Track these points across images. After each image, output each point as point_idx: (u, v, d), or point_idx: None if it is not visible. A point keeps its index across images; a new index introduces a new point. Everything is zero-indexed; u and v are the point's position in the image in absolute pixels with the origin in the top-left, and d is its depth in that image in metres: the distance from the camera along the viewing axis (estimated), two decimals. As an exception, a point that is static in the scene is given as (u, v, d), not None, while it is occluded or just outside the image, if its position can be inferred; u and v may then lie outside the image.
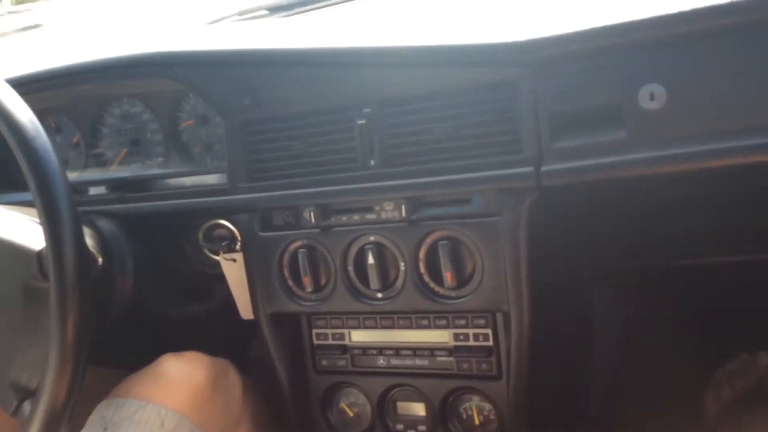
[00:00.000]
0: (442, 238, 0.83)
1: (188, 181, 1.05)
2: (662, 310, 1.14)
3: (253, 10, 1.35)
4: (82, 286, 0.72)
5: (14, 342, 0.80)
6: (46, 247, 0.72)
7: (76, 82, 1.05)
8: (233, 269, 1.00)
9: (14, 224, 0.82)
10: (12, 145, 0.74)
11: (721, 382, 1.19)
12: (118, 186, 1.06)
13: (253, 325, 1.33)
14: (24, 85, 0.92)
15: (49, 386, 0.72)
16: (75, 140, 1.14)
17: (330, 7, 1.28)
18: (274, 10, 1.32)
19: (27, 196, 1.00)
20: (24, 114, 0.76)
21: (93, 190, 1.09)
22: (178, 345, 0.99)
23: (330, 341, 0.95)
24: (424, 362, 0.90)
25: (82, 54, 1.06)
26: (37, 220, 0.84)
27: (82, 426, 0.87)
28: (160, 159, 1.10)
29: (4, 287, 0.79)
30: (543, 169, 0.77)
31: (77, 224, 0.73)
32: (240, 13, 1.36)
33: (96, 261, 0.87)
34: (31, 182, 0.73)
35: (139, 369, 0.95)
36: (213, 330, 1.32)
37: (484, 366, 0.87)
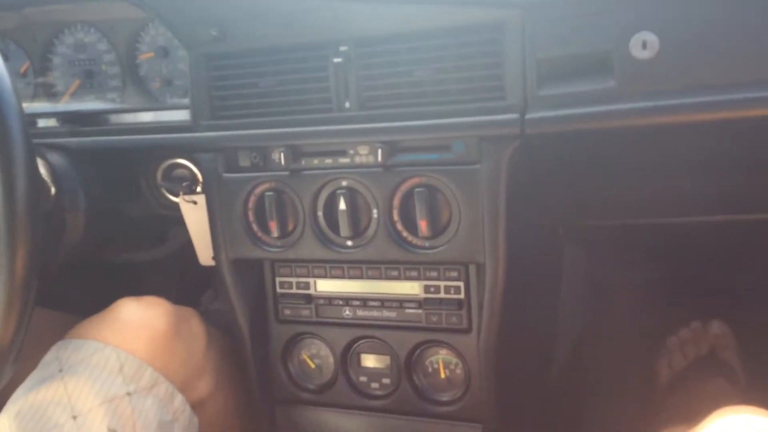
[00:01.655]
0: (418, 185, 0.80)
1: (146, 116, 0.99)
2: (628, 273, 1.14)
3: None
4: (34, 215, 0.67)
5: None
6: None
7: (28, 3, 0.97)
8: (193, 212, 0.95)
9: None
10: None
11: (674, 349, 1.21)
12: (70, 119, 0.99)
13: (203, 280, 1.30)
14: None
15: None
16: (23, 69, 1.06)
17: None
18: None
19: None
20: None
21: (42, 123, 1.02)
22: (129, 292, 0.94)
23: (294, 290, 0.92)
24: (392, 314, 0.88)
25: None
26: None
27: (34, 367, 0.82)
28: (116, 93, 1.03)
29: None
30: (528, 116, 0.74)
31: (29, 148, 0.67)
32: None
33: (49, 190, 0.81)
34: None
35: (91, 314, 0.90)
36: (166, 278, 1.28)
37: (453, 319, 0.85)
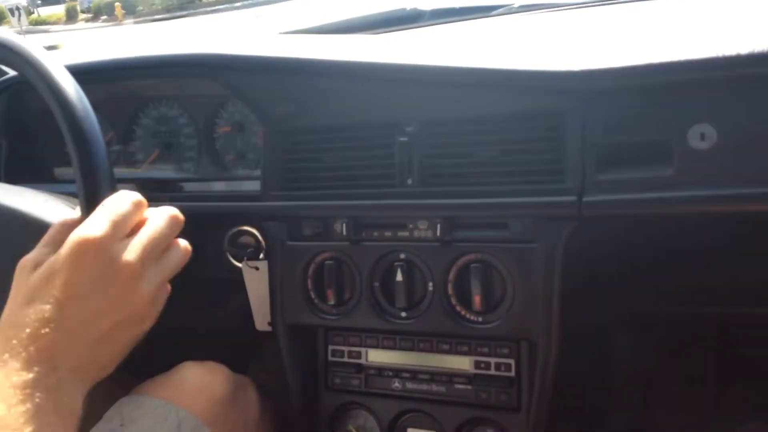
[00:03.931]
0: (474, 261, 0.83)
1: (219, 186, 1.05)
2: (682, 364, 1.12)
3: (333, 26, 1.37)
4: None
5: None
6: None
7: (119, 77, 1.06)
8: (255, 277, 0.98)
9: (41, 201, 0.82)
10: (61, 124, 0.74)
11: (730, 452, 1.16)
12: (148, 185, 1.06)
13: (251, 351, 1.31)
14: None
15: None
16: (107, 139, 1.14)
17: (411, 30, 1.30)
18: (350, 28, 1.34)
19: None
20: (73, 92, 0.76)
21: (121, 187, 1.08)
22: (179, 356, 0.96)
23: (345, 359, 0.93)
24: (441, 389, 0.88)
25: (126, 51, 1.07)
26: (68, 204, 0.84)
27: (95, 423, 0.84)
28: (191, 163, 1.10)
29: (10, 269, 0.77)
30: (585, 199, 0.76)
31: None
32: (316, 29, 1.38)
33: None
34: (75, 159, 0.73)
35: (140, 375, 0.93)
36: (215, 343, 1.30)
37: (503, 397, 0.85)
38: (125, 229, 0.69)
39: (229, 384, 0.90)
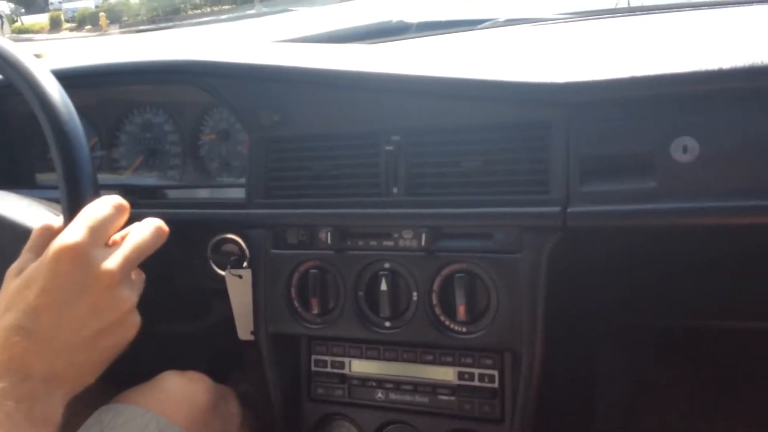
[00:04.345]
0: (458, 271, 0.82)
1: (203, 193, 1.05)
2: (669, 375, 1.12)
3: (320, 36, 1.37)
4: None
5: None
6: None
7: (105, 83, 1.05)
8: (238, 286, 0.98)
9: (24, 206, 0.81)
10: (45, 128, 0.73)
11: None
12: (131, 192, 1.05)
13: (233, 360, 1.30)
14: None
15: None
16: (91, 144, 1.13)
17: (397, 41, 1.30)
18: (337, 39, 1.34)
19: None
20: (58, 96, 0.75)
21: (105, 194, 1.08)
22: (162, 364, 0.95)
23: (329, 369, 0.93)
24: (425, 399, 0.88)
25: (114, 56, 1.06)
26: (51, 210, 0.83)
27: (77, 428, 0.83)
28: (176, 171, 1.10)
29: None
30: (569, 210, 0.77)
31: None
32: (303, 39, 1.37)
33: None
34: (58, 164, 0.72)
35: (123, 383, 0.92)
36: (197, 352, 1.29)
37: (486, 408, 0.84)
38: (105, 235, 0.69)
39: (210, 394, 0.89)
